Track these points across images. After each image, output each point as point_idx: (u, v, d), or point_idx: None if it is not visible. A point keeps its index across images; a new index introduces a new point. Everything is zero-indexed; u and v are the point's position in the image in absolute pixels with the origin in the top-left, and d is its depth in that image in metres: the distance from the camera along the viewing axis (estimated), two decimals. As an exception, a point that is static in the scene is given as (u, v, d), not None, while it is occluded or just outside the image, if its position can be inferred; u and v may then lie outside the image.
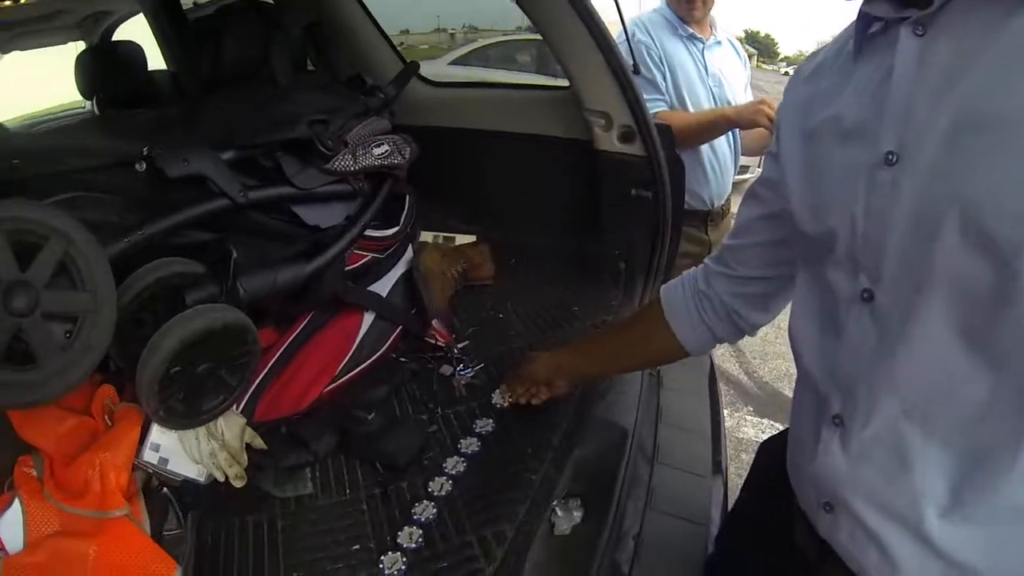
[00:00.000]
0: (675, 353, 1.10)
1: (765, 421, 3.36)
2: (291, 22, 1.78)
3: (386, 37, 2.22)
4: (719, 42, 2.17)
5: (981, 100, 0.54)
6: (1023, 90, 0.52)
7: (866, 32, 0.66)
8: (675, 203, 1.76)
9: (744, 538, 1.10)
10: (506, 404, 1.35)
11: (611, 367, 1.31)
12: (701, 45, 2.10)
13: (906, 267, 0.61)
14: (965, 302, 0.58)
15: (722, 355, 3.83)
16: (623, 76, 1.65)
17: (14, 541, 0.95)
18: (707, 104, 2.08)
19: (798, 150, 0.76)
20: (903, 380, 0.64)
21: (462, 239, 2.05)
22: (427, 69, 2.18)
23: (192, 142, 1.23)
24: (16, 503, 0.97)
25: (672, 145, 1.75)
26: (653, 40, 2.05)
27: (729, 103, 2.11)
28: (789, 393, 3.66)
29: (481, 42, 7.41)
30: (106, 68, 1.77)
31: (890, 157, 0.61)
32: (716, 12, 2.12)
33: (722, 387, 2.34)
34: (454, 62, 6.59)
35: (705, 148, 2.07)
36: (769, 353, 3.96)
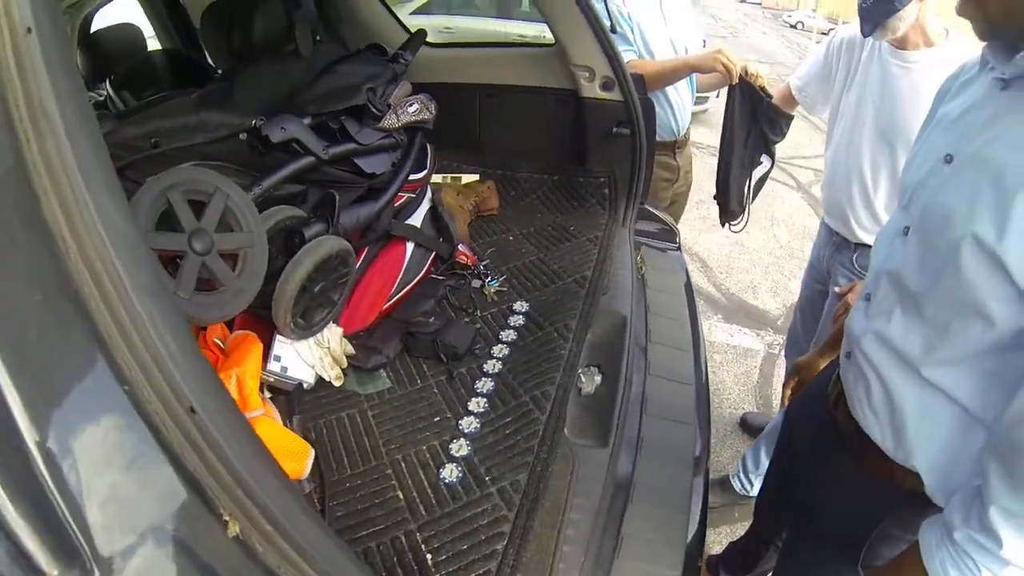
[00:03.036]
0: None
1: (734, 326, 3.76)
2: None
3: (387, 6, 2.44)
4: None
5: None
6: None
7: None
8: (648, 137, 2.10)
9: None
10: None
11: None
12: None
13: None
14: None
15: (691, 271, 4.20)
16: (603, 35, 1.96)
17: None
18: (668, 50, 2.37)
19: None
20: None
21: (468, 178, 2.32)
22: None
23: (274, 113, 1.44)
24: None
25: (644, 90, 2.08)
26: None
27: (686, 49, 2.40)
28: (753, 302, 4.32)
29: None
30: (110, 52, 1.98)
31: None
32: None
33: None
34: (416, 11, 6.62)
35: (670, 88, 2.37)
36: (734, 268, 4.36)
